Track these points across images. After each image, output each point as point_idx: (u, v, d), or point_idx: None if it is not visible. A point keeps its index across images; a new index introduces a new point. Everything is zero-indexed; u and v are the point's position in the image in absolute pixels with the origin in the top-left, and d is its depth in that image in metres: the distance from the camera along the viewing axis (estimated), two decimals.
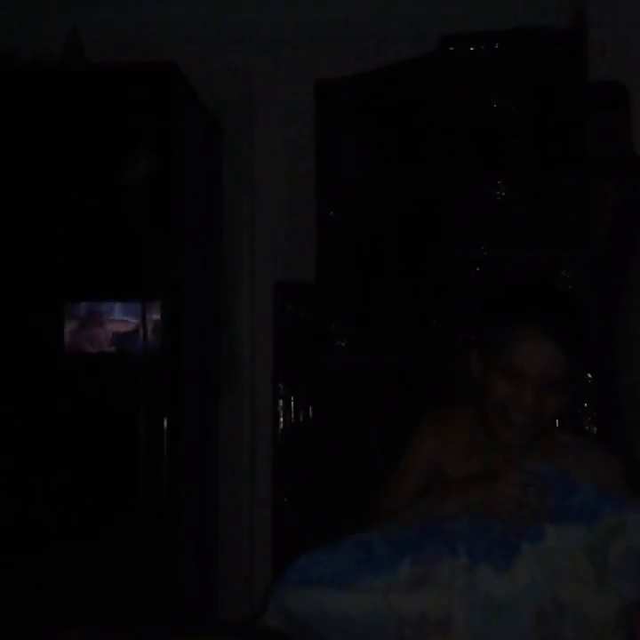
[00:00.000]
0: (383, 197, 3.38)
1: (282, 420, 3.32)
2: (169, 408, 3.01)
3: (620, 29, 3.12)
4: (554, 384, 1.87)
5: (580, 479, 1.73)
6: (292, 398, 3.33)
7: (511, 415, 1.88)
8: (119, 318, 3.00)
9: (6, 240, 3.08)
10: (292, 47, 3.66)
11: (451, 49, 3.13)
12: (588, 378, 2.89)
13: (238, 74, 3.73)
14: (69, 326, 3.01)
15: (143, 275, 2.99)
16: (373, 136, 3.40)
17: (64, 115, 3.09)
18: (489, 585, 1.62)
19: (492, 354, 1.92)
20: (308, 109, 3.53)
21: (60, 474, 3.00)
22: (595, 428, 2.87)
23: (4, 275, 3.08)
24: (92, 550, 2.96)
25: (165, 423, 2.99)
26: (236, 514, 3.67)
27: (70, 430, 3.01)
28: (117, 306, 3.01)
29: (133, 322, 2.99)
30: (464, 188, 3.08)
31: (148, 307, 2.97)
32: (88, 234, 3.05)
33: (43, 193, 3.08)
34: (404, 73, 3.33)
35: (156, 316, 2.99)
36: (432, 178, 3.19)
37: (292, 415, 3.32)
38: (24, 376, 3.05)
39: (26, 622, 2.79)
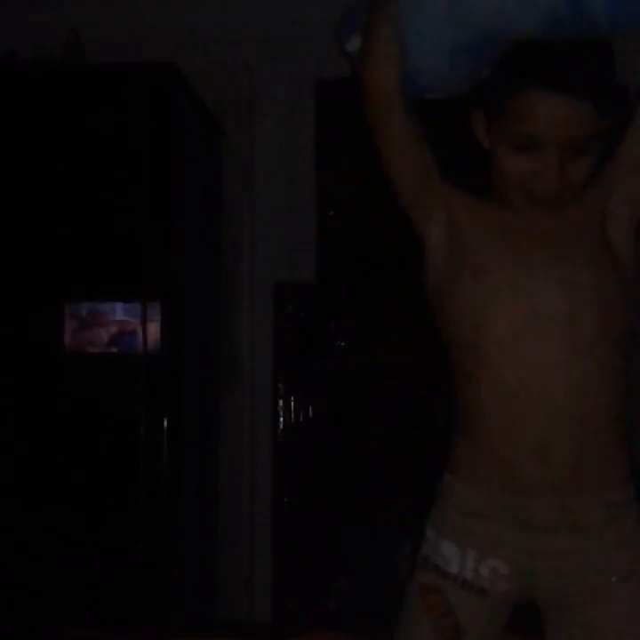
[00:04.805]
0: (383, 197, 3.37)
1: (282, 420, 3.32)
2: (169, 408, 3.01)
3: None
4: (581, 147, 1.54)
5: None
6: (292, 398, 3.33)
7: (534, 193, 1.58)
8: (119, 318, 3.00)
9: (6, 240, 3.08)
10: (292, 47, 3.66)
11: None
12: None
13: (238, 74, 3.74)
14: (69, 326, 3.01)
15: (143, 275, 3.00)
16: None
17: (63, 115, 3.09)
18: None
19: (500, 123, 1.59)
20: (308, 109, 3.53)
21: (60, 474, 3.00)
22: None
23: (3, 275, 3.08)
24: (91, 549, 2.97)
25: (165, 423, 2.99)
26: (236, 514, 3.67)
27: (70, 431, 3.01)
28: (117, 306, 3.01)
29: (133, 322, 2.99)
30: (464, 187, 3.08)
31: (148, 307, 2.98)
32: (88, 234, 3.05)
33: (42, 193, 3.08)
34: None
35: (156, 316, 2.99)
36: None
37: (292, 415, 3.32)
38: (24, 376, 3.05)
39: (27, 622, 2.79)
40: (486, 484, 1.63)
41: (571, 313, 1.60)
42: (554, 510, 1.59)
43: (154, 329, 2.98)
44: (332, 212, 3.47)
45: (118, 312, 3.01)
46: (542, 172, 1.54)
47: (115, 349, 3.00)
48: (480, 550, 1.62)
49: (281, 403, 3.33)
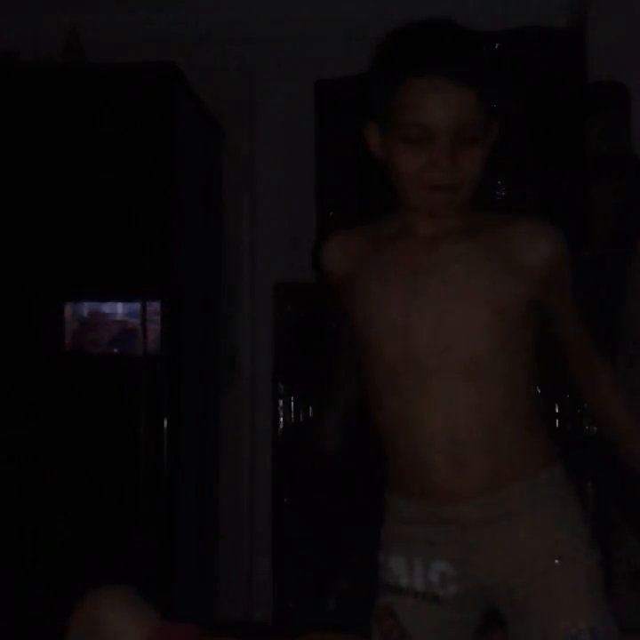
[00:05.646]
0: (383, 197, 3.37)
1: (282, 419, 3.32)
2: (169, 408, 3.01)
3: (620, 29, 3.13)
4: (469, 135, 1.56)
5: None
6: (292, 398, 3.33)
7: (431, 184, 1.58)
8: (119, 318, 3.00)
9: (7, 240, 3.08)
10: (291, 47, 3.66)
11: None
12: None
13: (238, 74, 3.74)
14: (70, 327, 3.02)
15: (143, 275, 2.99)
16: None
17: (64, 115, 3.09)
18: None
19: (389, 122, 1.62)
20: (307, 109, 3.53)
21: (61, 474, 3.00)
22: (595, 428, 2.87)
23: (4, 275, 3.08)
24: (90, 549, 2.96)
25: (165, 423, 2.99)
26: (236, 514, 3.67)
27: (71, 430, 3.01)
28: (118, 306, 3.01)
29: (133, 322, 2.99)
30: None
31: (148, 307, 2.98)
32: (88, 234, 3.05)
33: (43, 193, 3.08)
34: None
35: (156, 316, 2.99)
36: None
37: (292, 415, 3.32)
38: (25, 376, 3.05)
39: (27, 622, 2.79)
40: (413, 495, 1.67)
41: (466, 334, 1.60)
42: (479, 509, 1.61)
43: (154, 329, 2.98)
44: (331, 212, 3.46)
45: (119, 312, 3.01)
46: (436, 161, 1.56)
47: (115, 349, 3.00)
48: (424, 556, 1.64)
49: (281, 403, 3.33)
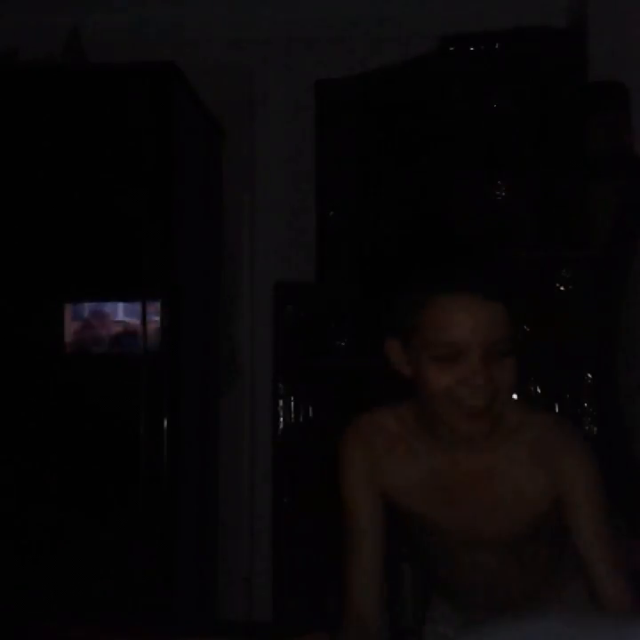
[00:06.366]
0: (383, 197, 3.38)
1: (282, 419, 3.32)
2: (169, 408, 3.01)
3: (620, 29, 3.13)
4: (502, 348, 1.54)
5: None
6: (292, 398, 3.33)
7: (464, 403, 1.54)
8: (119, 319, 3.01)
9: (7, 240, 3.08)
10: (291, 47, 3.66)
11: (451, 49, 3.14)
12: (588, 378, 2.89)
13: (238, 74, 3.73)
14: (70, 327, 3.02)
15: (143, 275, 3.00)
16: (373, 136, 3.40)
17: (64, 115, 3.09)
18: None
19: (417, 341, 1.56)
20: (308, 109, 3.53)
21: (61, 474, 3.00)
22: (595, 428, 2.87)
23: (5, 275, 3.08)
24: (91, 549, 2.97)
25: (165, 423, 2.99)
26: (236, 513, 3.67)
27: (71, 430, 3.01)
28: (118, 306, 3.01)
29: (133, 322, 2.99)
30: (464, 188, 3.08)
31: (148, 307, 2.98)
32: (88, 234, 3.05)
33: (43, 193, 3.08)
34: (404, 73, 3.33)
35: (156, 316, 2.99)
36: (432, 178, 3.19)
37: (292, 415, 3.32)
38: (25, 376, 3.05)
39: (26, 622, 2.79)
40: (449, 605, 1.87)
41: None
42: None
43: (154, 329, 2.98)
44: (331, 212, 3.46)
45: (119, 312, 3.01)
46: (469, 378, 1.52)
47: (115, 349, 3.00)
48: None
49: (281, 403, 3.33)
